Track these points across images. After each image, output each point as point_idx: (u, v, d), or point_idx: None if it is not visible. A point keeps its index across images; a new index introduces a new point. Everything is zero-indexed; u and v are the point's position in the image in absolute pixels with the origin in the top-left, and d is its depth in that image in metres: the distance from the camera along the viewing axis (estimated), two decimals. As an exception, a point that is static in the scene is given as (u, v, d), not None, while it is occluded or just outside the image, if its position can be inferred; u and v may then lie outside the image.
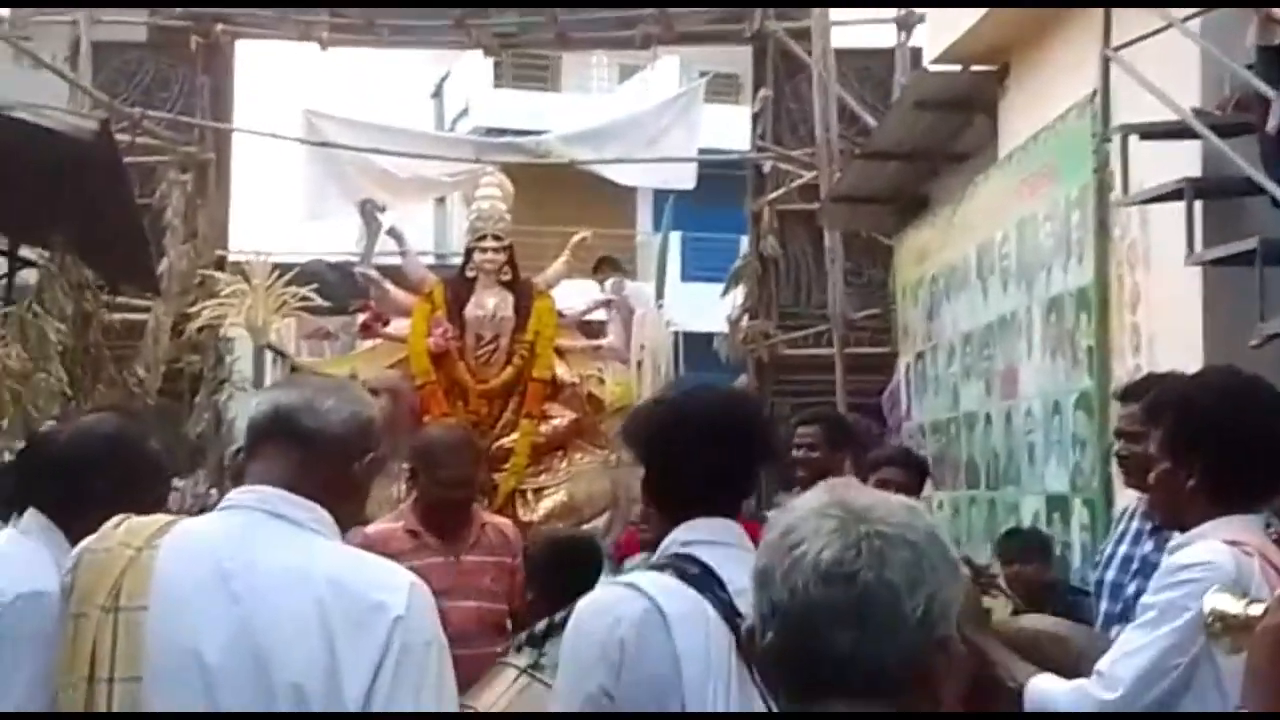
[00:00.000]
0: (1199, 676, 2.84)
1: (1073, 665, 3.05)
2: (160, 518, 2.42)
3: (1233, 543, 2.87)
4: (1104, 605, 3.85)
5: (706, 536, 2.56)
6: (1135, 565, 3.78)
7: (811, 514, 1.63)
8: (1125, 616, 3.63)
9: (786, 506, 1.70)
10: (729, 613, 2.41)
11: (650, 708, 2.36)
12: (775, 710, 1.86)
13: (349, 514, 2.44)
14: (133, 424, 3.18)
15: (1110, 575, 3.86)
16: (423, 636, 2.23)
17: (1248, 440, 2.96)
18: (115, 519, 2.40)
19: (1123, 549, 3.92)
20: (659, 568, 2.53)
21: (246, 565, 2.25)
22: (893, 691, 1.60)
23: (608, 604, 2.47)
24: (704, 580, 2.46)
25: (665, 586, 2.46)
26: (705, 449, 2.61)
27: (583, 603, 2.53)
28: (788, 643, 1.61)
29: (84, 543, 2.38)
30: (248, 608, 2.22)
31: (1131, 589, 3.70)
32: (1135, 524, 3.97)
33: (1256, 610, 2.17)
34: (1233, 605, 2.24)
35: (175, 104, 12.06)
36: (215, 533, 2.32)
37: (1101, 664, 2.93)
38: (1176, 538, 3.03)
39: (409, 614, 2.22)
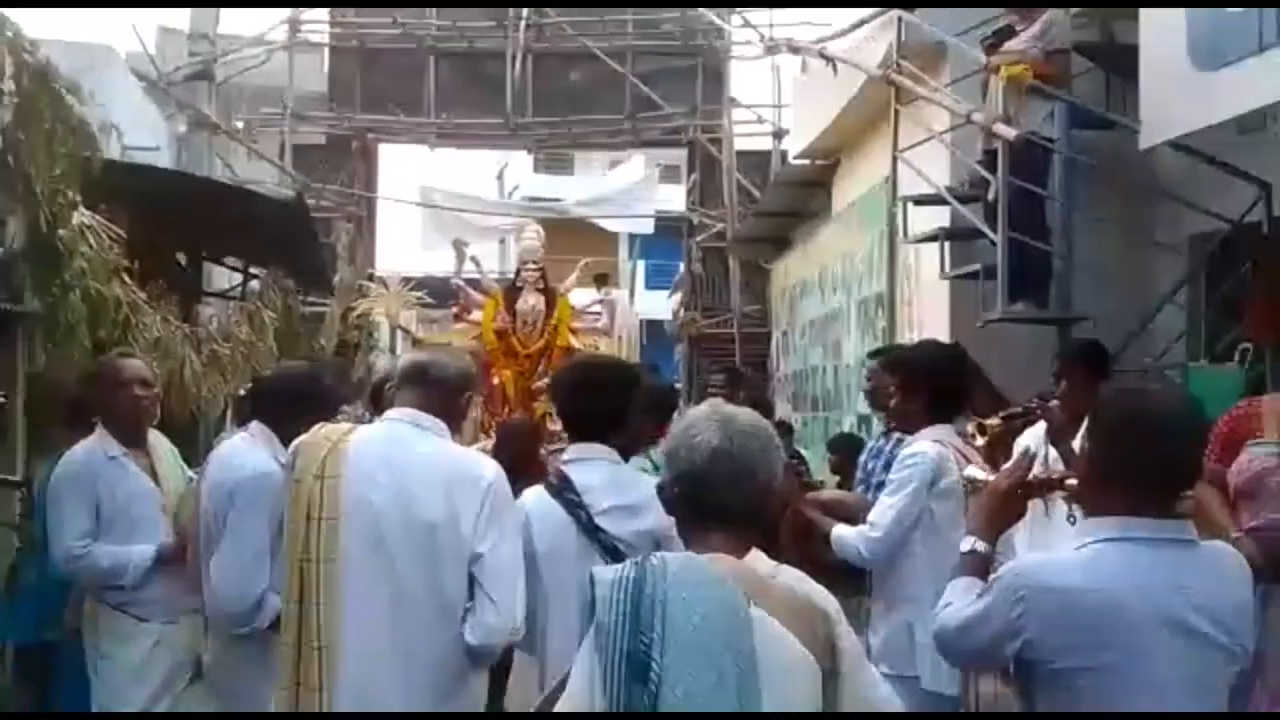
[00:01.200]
0: (923, 517, 2.90)
1: (851, 516, 3.11)
2: (348, 424, 2.41)
3: (937, 441, 2.94)
4: (858, 473, 3.90)
5: (579, 455, 2.43)
6: (876, 452, 3.83)
7: (703, 417, 1.66)
8: (867, 480, 3.70)
9: (686, 413, 1.73)
10: (571, 506, 2.34)
11: (529, 562, 2.30)
12: (607, 560, 1.87)
13: (457, 427, 2.43)
14: (315, 369, 3.18)
15: (864, 458, 3.92)
16: (504, 493, 2.25)
17: (944, 378, 3.04)
18: (318, 425, 2.36)
19: (871, 444, 3.99)
20: (546, 482, 2.46)
21: (400, 452, 2.24)
22: (749, 521, 1.65)
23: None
24: (559, 489, 2.38)
25: (533, 495, 2.41)
26: (579, 398, 2.50)
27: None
28: (688, 494, 1.64)
29: (300, 438, 2.33)
30: (401, 478, 2.21)
31: (871, 465, 3.77)
32: (878, 431, 4.05)
33: (988, 477, 2.22)
34: (979, 474, 2.29)
35: (342, 182, 11.93)
36: (381, 433, 2.32)
37: (871, 516, 2.97)
38: (907, 440, 3.08)
39: (496, 481, 2.23)
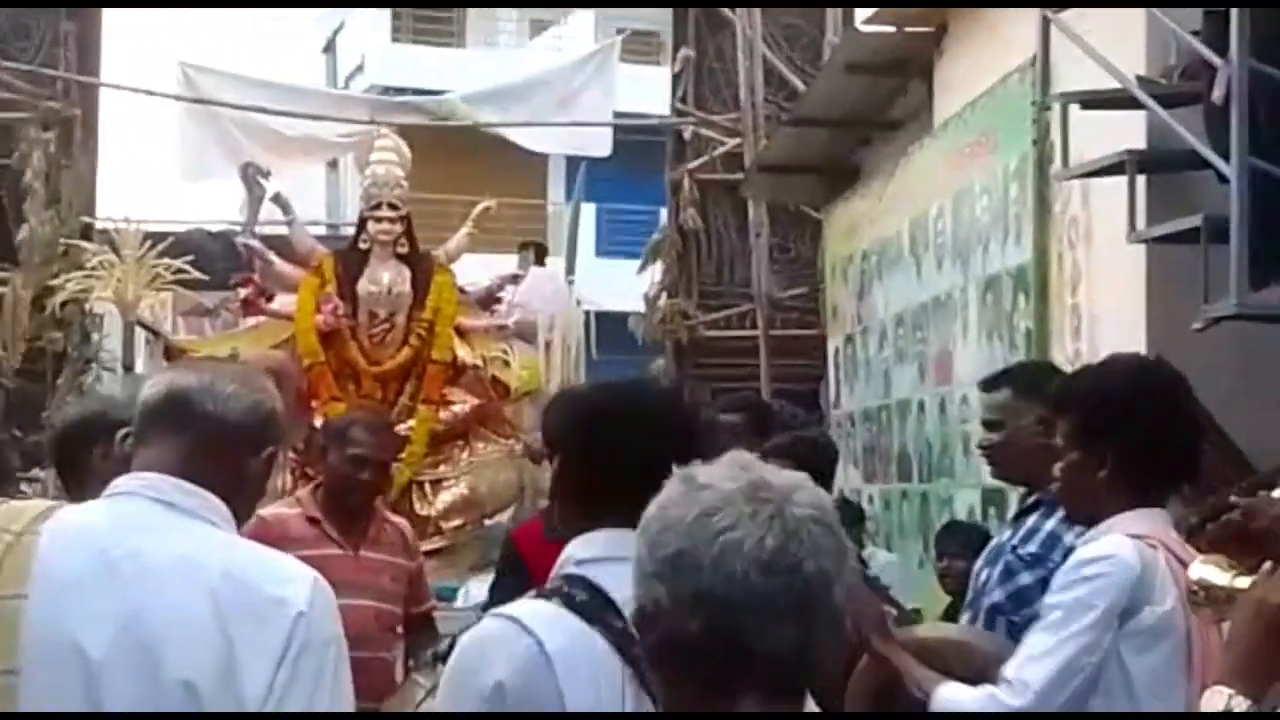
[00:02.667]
0: (1106, 675, 2.94)
1: (979, 672, 3.12)
2: (41, 502, 2.43)
3: (1136, 536, 2.98)
4: (969, 594, 3.91)
5: (604, 552, 2.42)
6: (992, 553, 3.85)
7: (738, 496, 1.64)
8: (975, 602, 3.75)
9: (688, 484, 1.70)
10: (623, 642, 2.32)
11: None
12: None
13: (245, 508, 2.45)
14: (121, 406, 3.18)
15: (979, 563, 3.92)
16: (324, 634, 2.27)
17: (1157, 429, 3.08)
18: None
19: (994, 540, 4.01)
20: (547, 595, 2.43)
21: (134, 554, 2.26)
22: (807, 681, 1.68)
23: (488, 643, 2.38)
24: (594, 607, 2.37)
25: (550, 619, 2.37)
26: (637, 446, 2.46)
27: (462, 639, 2.45)
28: (715, 633, 1.62)
29: None
30: (135, 600, 2.22)
31: (984, 576, 3.79)
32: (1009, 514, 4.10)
33: (1243, 583, 2.27)
34: (1219, 576, 2.33)
35: (36, 54, 11.84)
36: (101, 520, 2.33)
37: (1008, 669, 3.00)
38: (1079, 533, 3.14)
39: (311, 610, 2.25)
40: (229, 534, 2.36)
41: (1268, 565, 2.56)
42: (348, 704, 2.31)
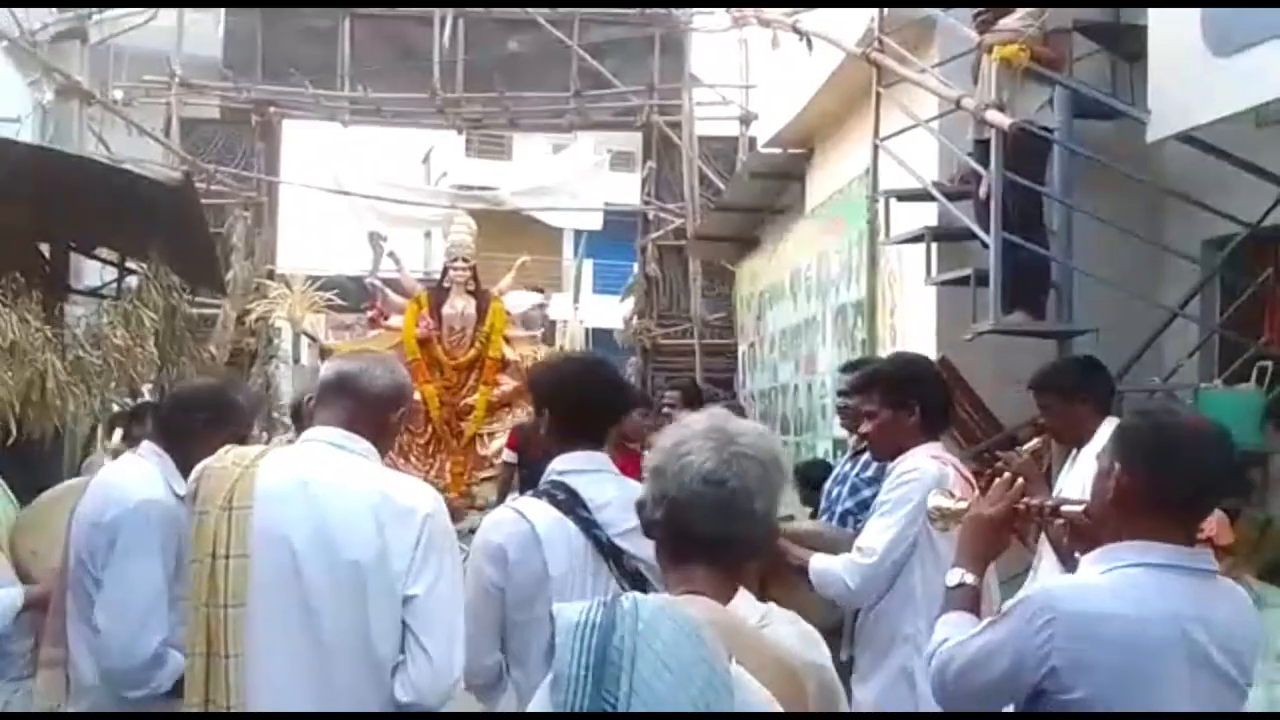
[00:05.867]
0: (920, 543, 2.93)
1: (831, 549, 3.10)
2: (258, 446, 2.37)
3: (935, 458, 2.99)
4: (823, 503, 3.92)
5: (578, 466, 2.41)
6: (840, 478, 3.86)
7: (698, 433, 1.64)
8: (830, 509, 3.74)
9: (678, 423, 1.71)
10: (588, 526, 2.32)
11: (527, 595, 2.30)
12: (626, 586, 1.86)
13: (386, 447, 2.40)
14: (228, 382, 3.13)
15: (828, 485, 3.94)
16: (443, 528, 2.23)
17: (932, 389, 3.14)
18: (225, 447, 2.32)
19: (836, 469, 4.03)
20: (538, 494, 2.42)
21: (319, 479, 2.22)
22: (741, 558, 1.66)
23: (500, 523, 2.39)
24: (569, 503, 2.35)
25: (540, 510, 2.36)
26: (595, 397, 2.48)
27: (485, 520, 2.45)
28: (672, 521, 1.64)
29: (205, 462, 2.29)
30: (322, 507, 2.18)
31: (834, 492, 3.81)
32: (845, 453, 4.11)
33: (963, 505, 2.27)
34: (947, 501, 2.33)
35: (239, 163, 11.75)
36: (298, 457, 2.29)
37: (860, 541, 2.98)
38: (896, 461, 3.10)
39: (435, 513, 2.21)
40: (377, 465, 2.31)
41: (976, 493, 2.57)
42: (459, 574, 2.25)
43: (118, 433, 5.94)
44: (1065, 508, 2.08)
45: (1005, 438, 3.31)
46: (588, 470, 2.41)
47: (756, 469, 1.63)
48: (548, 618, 2.20)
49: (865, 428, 3.16)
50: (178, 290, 7.38)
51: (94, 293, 7.87)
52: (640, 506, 1.68)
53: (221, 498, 2.20)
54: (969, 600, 2.00)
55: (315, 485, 2.20)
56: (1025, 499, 2.10)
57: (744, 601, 1.66)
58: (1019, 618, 1.82)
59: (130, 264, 7.64)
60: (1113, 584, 1.80)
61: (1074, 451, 3.52)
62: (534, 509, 2.36)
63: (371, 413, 2.32)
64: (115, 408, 6.37)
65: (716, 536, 1.62)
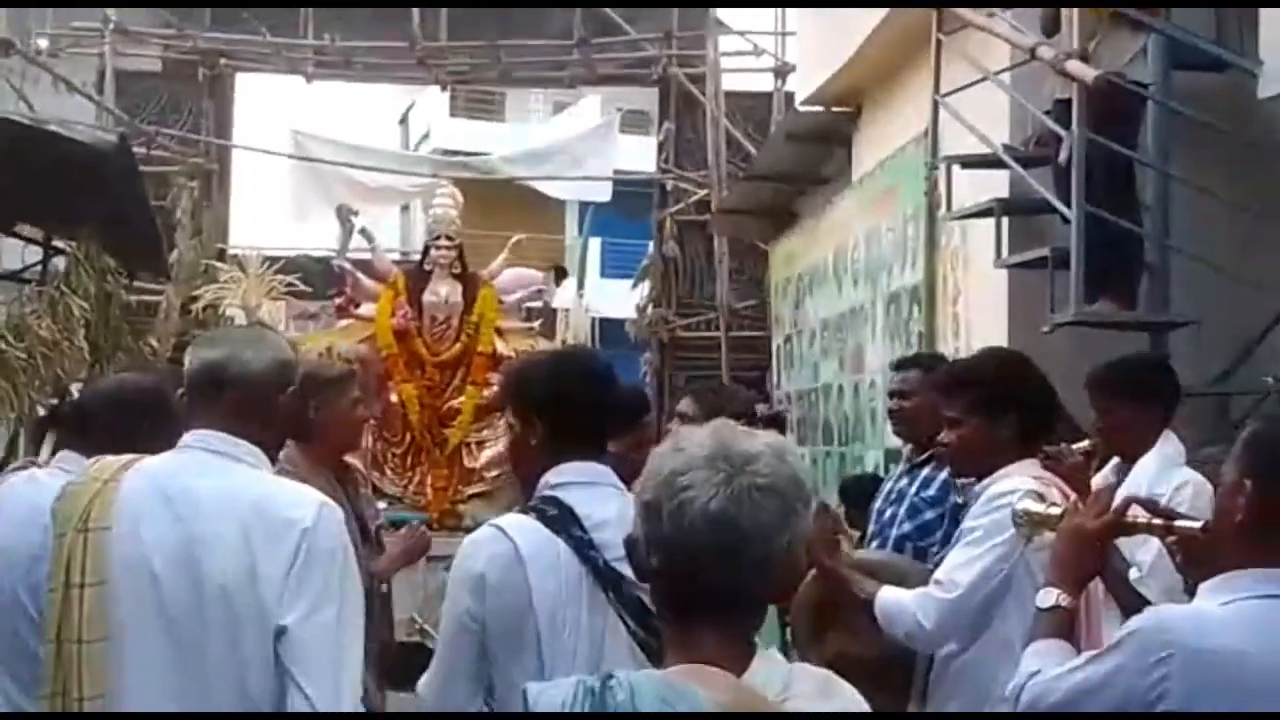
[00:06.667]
0: (1017, 575, 2.84)
1: (899, 581, 3.05)
2: (127, 456, 2.36)
3: (1036, 478, 2.91)
4: (872, 526, 3.89)
5: (571, 478, 2.40)
6: (894, 496, 3.83)
7: (701, 463, 1.55)
8: (881, 533, 3.71)
9: (674, 444, 1.61)
10: (582, 547, 2.31)
11: (510, 629, 2.29)
12: (631, 624, 1.85)
13: (279, 440, 2.41)
14: (159, 380, 3.15)
15: (877, 504, 3.91)
16: (328, 544, 2.21)
17: (1037, 396, 3.05)
18: (93, 459, 2.35)
19: (888, 485, 3.99)
20: (526, 510, 2.41)
21: (186, 492, 2.24)
22: (753, 609, 1.60)
23: (479, 544, 2.38)
24: (561, 520, 2.34)
25: (525, 529, 2.34)
26: (587, 398, 2.46)
27: (465, 540, 2.44)
28: (672, 571, 1.56)
29: (68, 478, 2.35)
30: (186, 526, 2.21)
31: (888, 513, 3.78)
32: (900, 466, 4.07)
33: (1055, 510, 2.29)
34: (1036, 506, 2.35)
35: (185, 124, 11.82)
36: (164, 467, 2.31)
37: (939, 574, 2.91)
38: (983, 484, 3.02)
39: (316, 526, 2.21)
40: (260, 470, 2.31)
41: (1074, 498, 2.57)
42: (355, 598, 2.25)
43: (49, 440, 5.96)
44: (1179, 523, 2.08)
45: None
46: (584, 483, 2.41)
47: (774, 502, 1.54)
48: (535, 655, 2.23)
49: (946, 437, 3.10)
50: (113, 274, 7.43)
51: (14, 276, 7.91)
52: (631, 546, 1.62)
53: (77, 518, 2.24)
54: (1064, 626, 2.02)
55: (180, 499, 2.23)
56: (1133, 511, 2.10)
57: (763, 665, 1.58)
58: (1129, 651, 1.83)
59: (57, 243, 7.68)
60: (1237, 618, 1.82)
61: (1113, 460, 3.52)
62: (518, 526, 2.36)
63: (252, 404, 2.31)
64: (40, 410, 6.41)
65: (726, 590, 1.54)
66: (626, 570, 2.25)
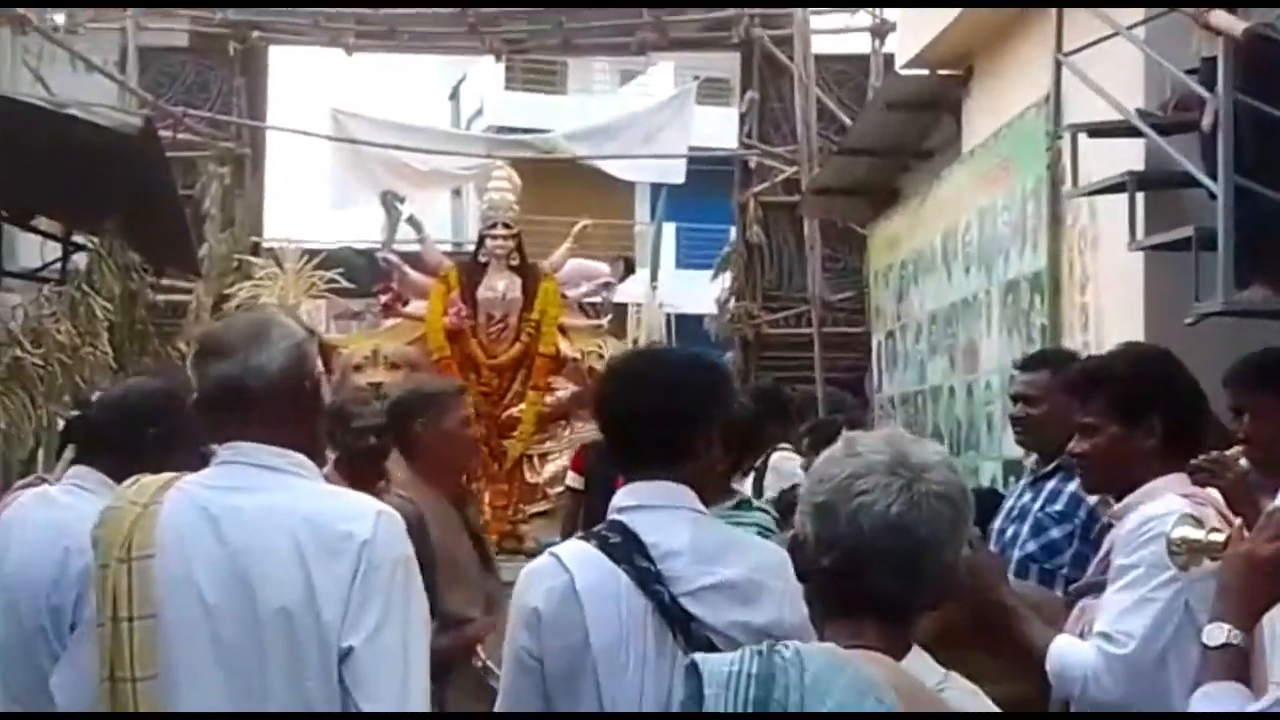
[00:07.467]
0: (1177, 620, 2.74)
1: (1049, 622, 2.96)
2: (166, 476, 2.40)
3: (1186, 497, 2.83)
4: (992, 547, 3.78)
5: (641, 500, 2.41)
6: (1015, 512, 3.78)
7: (880, 468, 1.76)
8: (1003, 555, 3.62)
9: (847, 448, 1.81)
10: (646, 579, 2.33)
11: (567, 669, 2.32)
12: (692, 657, 1.92)
13: (315, 436, 2.42)
14: (179, 385, 3.18)
15: (997, 522, 3.85)
16: (390, 556, 2.24)
17: (1191, 403, 2.97)
18: (130, 479, 2.39)
19: (1009, 501, 3.93)
20: (588, 536, 2.44)
21: (232, 510, 2.27)
22: (916, 613, 1.82)
23: (534, 575, 2.42)
24: (625, 548, 2.35)
25: (584, 559, 2.37)
26: (644, 407, 2.44)
27: (523, 570, 2.49)
28: (844, 571, 1.77)
29: (107, 502, 2.39)
30: (235, 547, 2.24)
31: (1009, 532, 3.73)
32: (1023, 479, 4.00)
33: (1218, 537, 2.24)
34: (1195, 532, 2.30)
35: (214, 104, 12.05)
36: (205, 485, 2.34)
37: (1102, 626, 2.80)
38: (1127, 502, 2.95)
39: (375, 538, 2.23)
40: (309, 481, 2.34)
41: (1239, 522, 2.50)
42: (421, 612, 2.28)
43: (66, 456, 6.11)
44: None
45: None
46: (654, 505, 2.41)
47: (949, 511, 1.76)
48: (594, 697, 2.28)
49: (1078, 446, 3.02)
50: (138, 271, 7.59)
51: (32, 276, 8.12)
52: (796, 546, 1.82)
53: (119, 546, 2.28)
54: (1236, 666, 1.97)
55: (227, 519, 2.27)
56: None
57: (919, 661, 1.78)
58: None
59: (77, 238, 7.87)
60: None
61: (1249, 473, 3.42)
62: (577, 556, 2.39)
63: (280, 409, 2.33)
64: (61, 421, 6.57)
65: (895, 594, 1.76)
66: (697, 608, 2.30)
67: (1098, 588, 2.94)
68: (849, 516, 1.74)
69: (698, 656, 1.66)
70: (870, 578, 1.74)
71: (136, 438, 2.83)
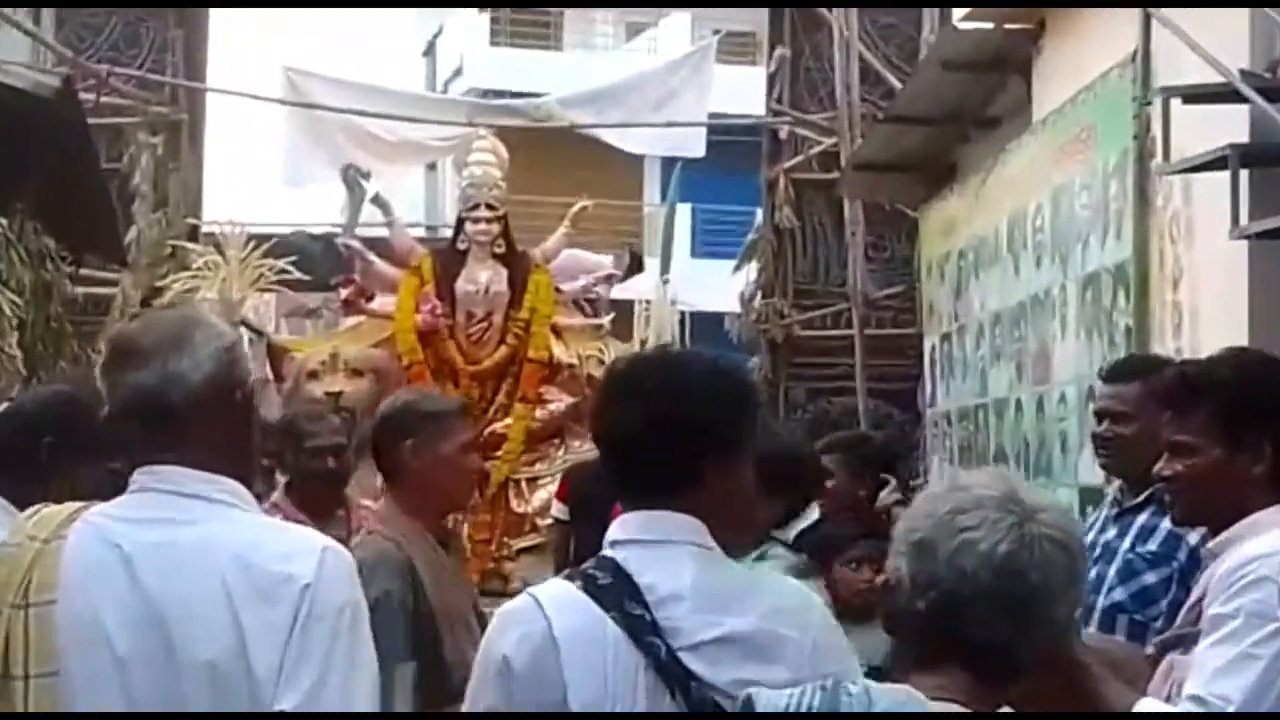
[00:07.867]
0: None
1: (1131, 682, 2.90)
2: (71, 505, 2.40)
3: None
4: None
5: (636, 534, 2.39)
6: (1098, 551, 3.74)
7: (989, 503, 1.85)
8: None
9: (952, 482, 1.93)
10: (639, 629, 2.30)
11: None
12: (748, 691, 2.00)
13: (248, 457, 2.43)
14: (69, 393, 3.18)
15: None
16: (335, 602, 2.25)
17: None
18: (31, 509, 2.40)
19: (1089, 536, 3.85)
20: (573, 576, 2.42)
21: (149, 547, 2.27)
22: (1016, 674, 1.89)
23: (508, 619, 2.40)
24: (615, 591, 2.33)
25: (565, 602, 2.36)
26: (646, 419, 2.39)
27: (496, 614, 2.47)
28: (940, 617, 1.85)
29: (2, 534, 2.40)
30: (151, 590, 2.24)
31: (1092, 575, 3.64)
32: (1104, 511, 3.97)
33: None
34: None
35: (145, 61, 12.03)
36: (117, 517, 2.33)
37: (1194, 688, 2.76)
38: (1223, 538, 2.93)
39: (319, 580, 2.24)
40: (245, 512, 2.35)
41: None
42: (369, 668, 2.28)
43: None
44: None
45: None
46: (651, 540, 2.39)
47: (1064, 560, 1.84)
48: None
49: (1168, 468, 3.01)
50: (53, 259, 7.61)
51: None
52: (888, 590, 1.90)
53: (15, 590, 2.28)
54: None
55: (143, 558, 2.26)
56: None
57: None
58: None
59: (-17, 219, 7.89)
60: None
61: None
62: (557, 598, 2.38)
63: (206, 425, 2.33)
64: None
65: (996, 646, 1.83)
66: (699, 665, 2.28)
67: (1189, 640, 2.91)
68: (950, 555, 1.82)
69: (752, 690, 1.77)
70: (970, 622, 1.82)
71: (25, 455, 2.85)
